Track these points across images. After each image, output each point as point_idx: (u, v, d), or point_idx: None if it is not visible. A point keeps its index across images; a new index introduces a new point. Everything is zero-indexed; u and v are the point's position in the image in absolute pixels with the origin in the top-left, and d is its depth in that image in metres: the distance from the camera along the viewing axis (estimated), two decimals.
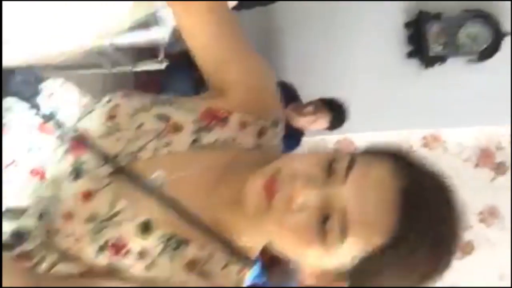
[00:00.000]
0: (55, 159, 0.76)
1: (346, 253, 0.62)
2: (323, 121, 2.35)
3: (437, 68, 2.77)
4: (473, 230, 3.12)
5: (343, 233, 0.61)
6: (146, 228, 0.70)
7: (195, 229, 0.72)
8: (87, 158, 0.75)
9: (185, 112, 0.79)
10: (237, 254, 0.74)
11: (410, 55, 2.84)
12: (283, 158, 0.70)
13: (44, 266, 0.69)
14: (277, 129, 0.83)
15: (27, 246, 0.71)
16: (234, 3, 1.85)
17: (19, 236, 0.72)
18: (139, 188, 0.72)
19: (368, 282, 0.65)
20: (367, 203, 0.61)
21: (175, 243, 0.71)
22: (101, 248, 0.69)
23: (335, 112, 2.33)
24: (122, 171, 0.74)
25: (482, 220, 3.10)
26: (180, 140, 0.77)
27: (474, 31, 2.71)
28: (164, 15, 1.46)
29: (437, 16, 2.73)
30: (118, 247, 0.69)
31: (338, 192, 0.62)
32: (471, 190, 3.08)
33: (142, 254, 0.69)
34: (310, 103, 2.35)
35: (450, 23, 2.71)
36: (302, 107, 2.35)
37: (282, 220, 0.64)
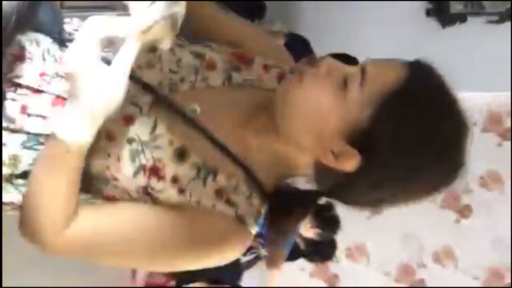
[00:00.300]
0: None
1: (360, 106, 0.71)
2: None
3: (457, 28, 2.70)
4: (473, 194, 3.15)
5: (362, 79, 0.71)
6: (181, 154, 0.76)
7: (224, 159, 0.78)
8: (129, 86, 0.73)
9: (216, 53, 0.86)
10: (258, 188, 0.79)
11: (429, 13, 2.76)
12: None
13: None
14: None
15: None
16: None
17: None
18: (177, 117, 0.78)
19: (373, 148, 0.71)
20: (384, 64, 0.74)
21: (205, 171, 0.77)
22: (139, 169, 0.75)
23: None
24: (162, 101, 0.78)
25: (482, 185, 3.12)
26: (215, 77, 0.84)
27: None
28: None
29: None
30: (154, 170, 0.75)
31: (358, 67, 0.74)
32: (475, 154, 3.10)
33: (175, 180, 0.75)
34: (322, 58, 2.33)
35: None
36: (315, 61, 2.32)
37: (312, 81, 0.75)
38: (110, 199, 0.77)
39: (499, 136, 3.09)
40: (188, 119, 0.78)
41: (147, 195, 0.75)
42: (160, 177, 0.75)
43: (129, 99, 0.76)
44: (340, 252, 2.96)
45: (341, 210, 2.73)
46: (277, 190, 0.82)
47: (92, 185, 0.77)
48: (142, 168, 0.75)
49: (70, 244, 0.74)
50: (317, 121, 0.74)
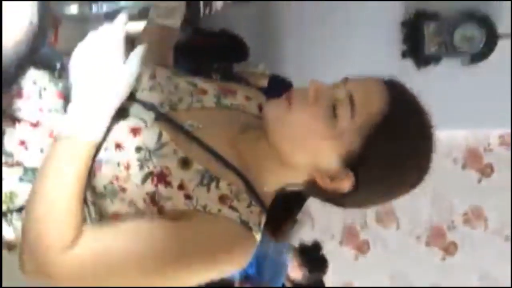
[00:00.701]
0: None
1: (352, 134, 0.79)
2: None
3: (431, 68, 2.78)
4: (458, 231, 3.16)
5: (352, 111, 0.78)
6: (185, 162, 0.81)
7: (224, 169, 0.83)
8: (133, 106, 0.85)
9: (205, 83, 0.96)
10: (257, 197, 0.84)
11: (405, 54, 2.84)
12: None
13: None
14: None
15: None
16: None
17: None
18: (178, 131, 0.84)
19: (366, 168, 0.81)
20: (367, 90, 0.81)
21: (208, 178, 0.81)
22: (148, 175, 0.79)
23: None
24: (164, 118, 0.85)
25: (466, 221, 3.14)
26: (208, 99, 0.92)
27: (469, 32, 2.72)
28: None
29: (434, 16, 2.73)
30: (162, 177, 0.79)
31: (344, 88, 0.80)
32: (458, 191, 3.14)
33: (181, 186, 0.79)
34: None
35: (446, 23, 2.72)
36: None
37: (301, 109, 0.80)
38: (118, 218, 0.77)
39: (478, 173, 3.15)
40: (188, 133, 0.84)
41: (154, 205, 0.77)
42: (167, 184, 0.78)
43: (136, 116, 0.83)
44: None
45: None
46: (274, 199, 0.88)
47: (95, 206, 0.79)
48: (150, 174, 0.78)
49: (78, 263, 0.71)
50: (310, 148, 0.81)
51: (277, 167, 0.84)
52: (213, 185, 0.80)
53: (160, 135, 0.82)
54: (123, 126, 0.82)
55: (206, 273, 0.77)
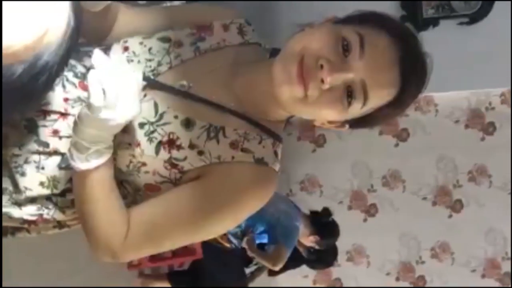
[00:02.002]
0: None
1: (361, 111, 0.81)
2: None
3: (430, 31, 2.81)
4: (462, 189, 3.24)
5: (365, 99, 0.79)
6: (188, 123, 0.85)
7: (226, 116, 0.86)
8: None
9: (178, 31, 0.93)
10: (266, 131, 0.88)
11: (404, 19, 2.86)
12: (298, 39, 0.82)
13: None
14: (251, 27, 0.98)
15: None
16: None
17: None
18: (171, 94, 0.86)
19: (363, 122, 0.85)
20: (379, 73, 0.79)
21: (214, 130, 0.85)
22: (159, 145, 0.83)
23: None
24: (152, 87, 0.86)
25: (471, 179, 3.21)
26: (185, 51, 0.91)
27: None
28: None
29: None
30: (171, 142, 0.83)
31: (356, 68, 0.78)
32: (461, 150, 3.20)
33: (192, 145, 0.83)
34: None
35: None
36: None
37: (317, 101, 0.79)
38: (151, 189, 0.85)
39: (481, 131, 3.20)
40: (182, 93, 0.86)
41: (175, 168, 0.83)
42: (179, 147, 0.83)
43: None
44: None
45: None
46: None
47: (128, 184, 0.86)
48: (160, 144, 0.83)
49: (135, 243, 0.83)
50: (318, 119, 0.86)
51: (277, 105, 0.85)
52: (220, 135, 0.84)
53: (156, 106, 0.85)
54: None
55: (239, 213, 0.85)
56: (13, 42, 0.49)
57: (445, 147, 3.17)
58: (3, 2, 0.47)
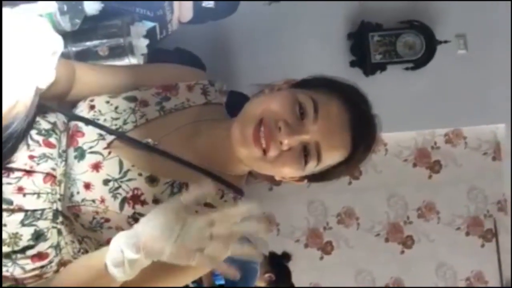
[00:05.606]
0: (60, 159, 0.88)
1: (317, 169, 0.89)
2: None
3: (378, 76, 2.96)
4: (413, 225, 3.35)
5: (319, 159, 0.86)
6: (152, 180, 0.87)
7: (189, 172, 0.88)
8: (83, 141, 0.88)
9: (143, 91, 0.97)
10: (228, 185, 0.91)
11: (353, 64, 3.01)
12: (258, 103, 0.89)
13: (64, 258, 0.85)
14: (214, 87, 1.02)
15: (44, 246, 0.83)
16: (189, 17, 1.96)
17: (38, 237, 0.83)
18: (136, 150, 0.88)
19: (320, 178, 0.92)
20: (331, 137, 0.86)
21: (178, 186, 0.87)
22: (122, 202, 0.84)
23: None
24: (116, 144, 0.88)
25: (420, 216, 3.33)
26: (151, 110, 0.94)
27: (410, 40, 2.92)
28: (138, 44, 1.56)
29: (377, 27, 2.91)
30: (136, 198, 0.85)
31: (311, 130, 0.85)
32: (410, 187, 3.33)
33: (156, 200, 0.85)
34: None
35: (389, 33, 2.90)
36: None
37: (276, 160, 0.86)
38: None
39: (428, 170, 3.35)
40: (147, 147, 0.89)
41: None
42: (143, 202, 0.84)
43: (89, 150, 0.88)
44: None
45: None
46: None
47: (89, 239, 0.86)
48: (125, 200, 0.84)
49: None
50: (277, 176, 0.93)
51: (238, 160, 0.90)
52: (184, 190, 0.85)
53: (121, 163, 0.86)
54: (83, 166, 0.86)
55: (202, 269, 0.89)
56: None
57: (395, 184, 3.30)
58: None
